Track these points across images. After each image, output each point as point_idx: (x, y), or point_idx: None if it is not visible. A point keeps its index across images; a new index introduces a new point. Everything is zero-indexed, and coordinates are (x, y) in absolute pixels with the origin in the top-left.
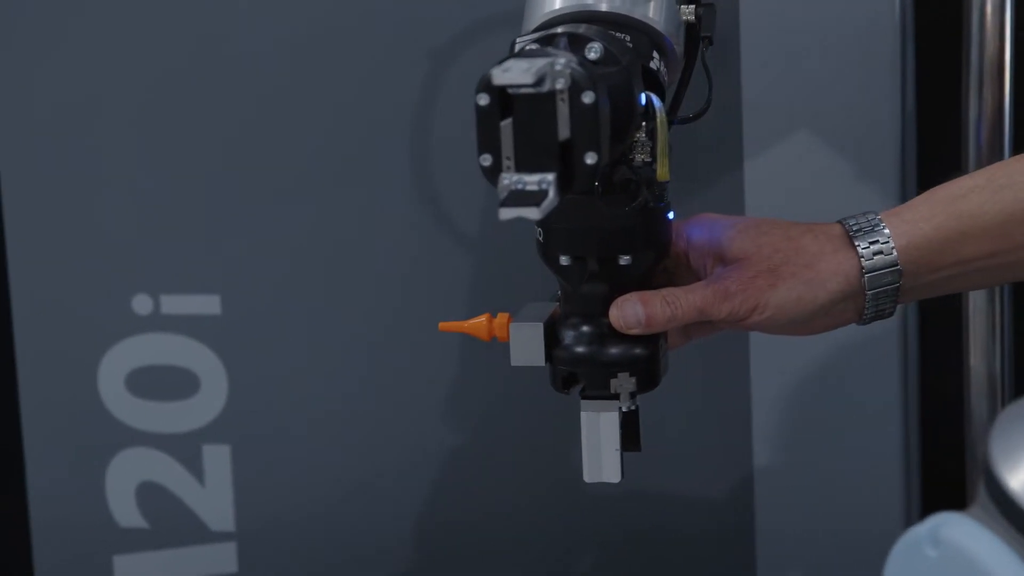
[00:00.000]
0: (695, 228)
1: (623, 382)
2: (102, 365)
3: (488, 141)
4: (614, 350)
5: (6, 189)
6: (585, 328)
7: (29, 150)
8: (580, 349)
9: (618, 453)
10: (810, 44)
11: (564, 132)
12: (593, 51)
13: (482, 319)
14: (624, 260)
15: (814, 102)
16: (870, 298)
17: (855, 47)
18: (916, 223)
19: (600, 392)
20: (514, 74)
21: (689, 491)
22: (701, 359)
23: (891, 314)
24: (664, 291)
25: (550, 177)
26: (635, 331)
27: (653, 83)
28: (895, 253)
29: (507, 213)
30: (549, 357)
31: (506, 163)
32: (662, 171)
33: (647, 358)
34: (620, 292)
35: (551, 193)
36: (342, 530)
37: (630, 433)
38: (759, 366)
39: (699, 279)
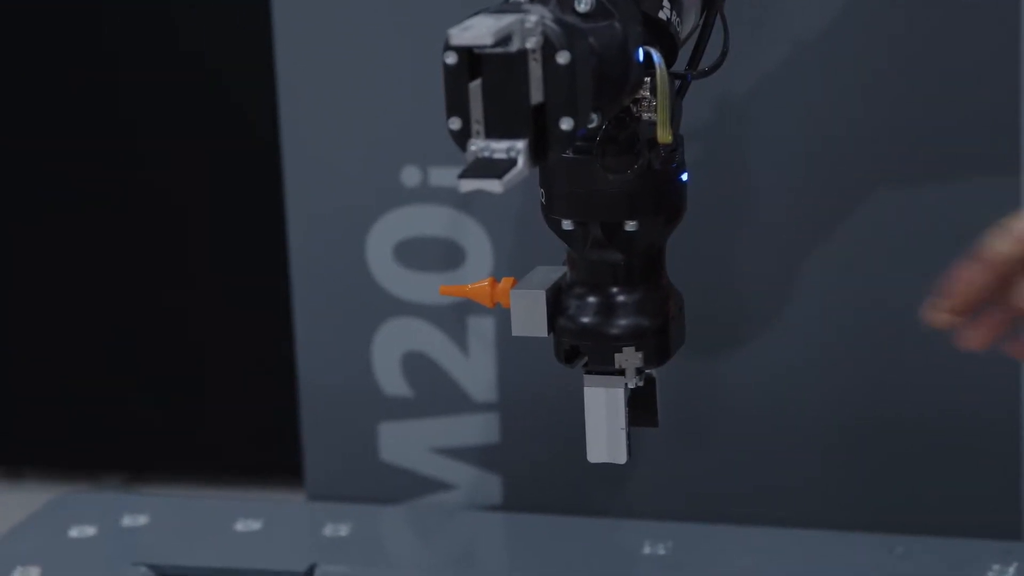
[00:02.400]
0: None
1: (629, 357)
2: (370, 235)
3: (457, 103)
4: (619, 322)
5: (280, 58)
6: (590, 298)
7: (306, 17)
8: (583, 320)
9: (624, 432)
10: None
11: (537, 95)
12: (583, 3)
13: (485, 283)
14: (630, 226)
15: None
16: None
17: None
18: None
19: (605, 367)
20: (473, 33)
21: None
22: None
23: None
24: None
25: (520, 145)
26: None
27: (663, 34)
28: None
29: (467, 185)
30: (552, 327)
31: (475, 128)
32: (662, 132)
33: (655, 330)
34: (628, 260)
35: (520, 162)
36: None
37: (646, 408)
38: None
39: None
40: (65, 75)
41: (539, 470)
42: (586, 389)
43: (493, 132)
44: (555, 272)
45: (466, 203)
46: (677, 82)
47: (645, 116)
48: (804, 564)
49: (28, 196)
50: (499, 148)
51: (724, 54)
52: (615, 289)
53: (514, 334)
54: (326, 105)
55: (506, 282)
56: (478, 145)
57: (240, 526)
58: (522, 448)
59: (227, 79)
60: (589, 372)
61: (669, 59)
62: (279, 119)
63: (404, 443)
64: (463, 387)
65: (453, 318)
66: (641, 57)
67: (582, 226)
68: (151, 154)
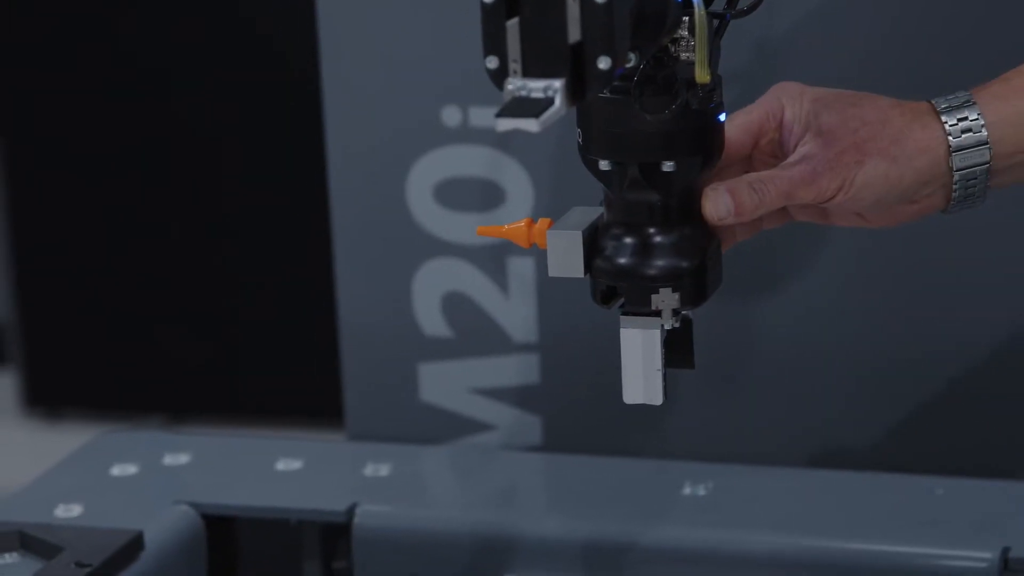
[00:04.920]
0: (786, 99)
1: (665, 298)
2: (410, 176)
3: (494, 42)
4: (656, 263)
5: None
6: (627, 239)
7: None
8: (620, 261)
9: (660, 374)
10: None
11: (575, 34)
12: None
13: (522, 224)
14: (668, 166)
15: None
16: (959, 180)
17: None
18: (1008, 98)
19: (641, 308)
20: None
21: None
22: None
23: (980, 202)
24: (750, 177)
25: (557, 84)
26: (728, 222)
27: None
28: (985, 131)
29: (504, 124)
30: (589, 268)
31: (512, 66)
32: (701, 72)
33: (692, 271)
34: (666, 201)
35: (557, 101)
36: None
37: (682, 349)
38: None
39: (786, 152)
40: (107, 17)
41: (579, 411)
42: (622, 330)
43: (531, 71)
44: (592, 212)
45: (506, 143)
46: (716, 22)
47: (683, 56)
48: (843, 505)
49: (65, 137)
50: (536, 87)
51: None
52: (652, 230)
53: (551, 275)
54: (367, 44)
55: (543, 223)
56: (515, 84)
57: (281, 465)
58: (562, 389)
59: (268, 20)
60: (626, 313)
61: None
62: (320, 59)
63: (444, 384)
64: (503, 328)
65: (493, 259)
66: None
67: (619, 166)
68: (191, 97)
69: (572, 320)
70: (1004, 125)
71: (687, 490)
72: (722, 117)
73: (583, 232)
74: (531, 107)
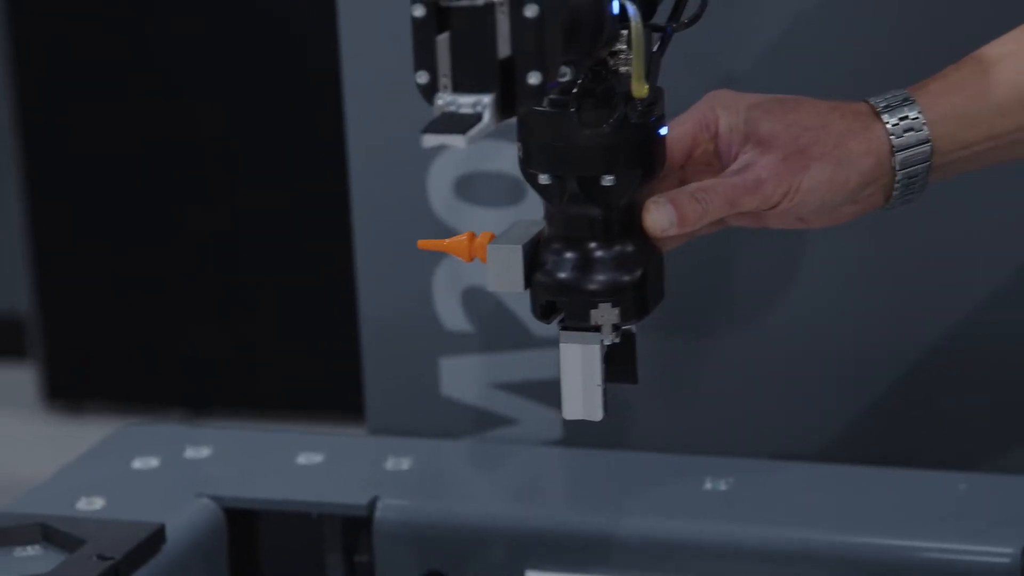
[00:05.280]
0: (720, 109)
1: (605, 313)
2: (431, 169)
3: (424, 56)
4: (596, 277)
5: None
6: (567, 253)
7: None
8: (559, 276)
9: (600, 389)
10: None
11: (505, 49)
12: None
13: (463, 238)
14: (607, 180)
15: None
16: (901, 178)
17: None
18: (947, 94)
19: (581, 323)
20: None
21: None
22: None
23: (919, 197)
24: (691, 187)
25: (486, 99)
26: (670, 233)
27: None
28: (926, 129)
29: (430, 140)
30: (528, 282)
31: (443, 82)
32: (638, 86)
33: (632, 286)
34: (606, 215)
35: (486, 117)
36: None
37: (624, 364)
38: None
39: (724, 162)
40: (126, 13)
41: None
42: (562, 345)
43: (460, 86)
44: (534, 226)
45: None
46: (657, 35)
47: (622, 69)
48: (866, 501)
49: (85, 132)
50: (466, 102)
51: (704, 5)
52: (592, 244)
53: (490, 289)
54: (387, 37)
55: (484, 236)
56: (445, 99)
57: (302, 459)
58: None
59: (287, 12)
60: (565, 328)
61: (648, 11)
62: (340, 52)
63: (465, 378)
64: (524, 322)
65: None
66: (617, 10)
67: (559, 180)
68: (211, 93)
69: None
70: (944, 122)
71: (708, 485)
72: (663, 131)
73: (523, 246)
74: (459, 123)
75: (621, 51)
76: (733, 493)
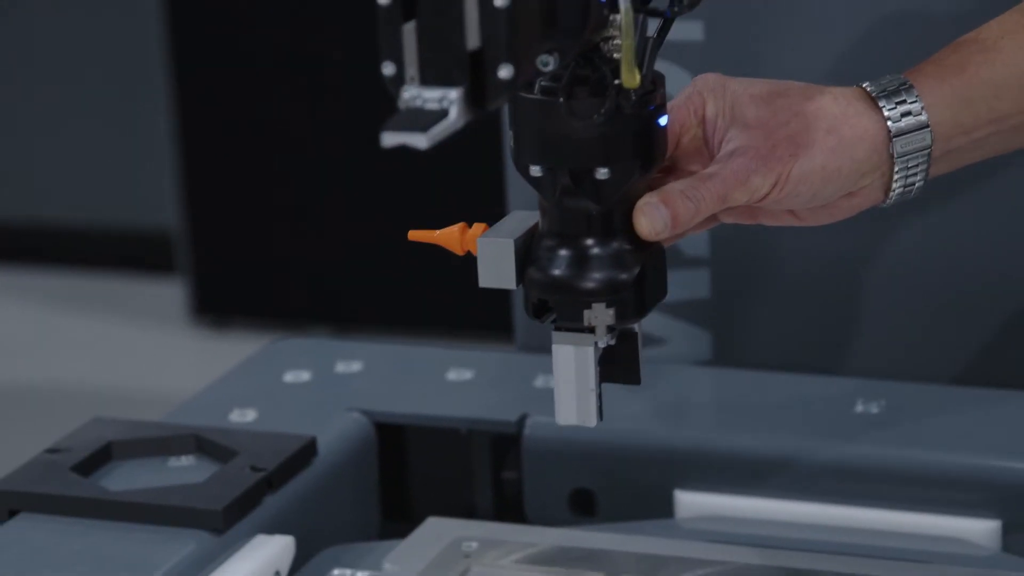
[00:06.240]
0: (707, 93)
1: (599, 314)
2: None
3: (390, 47)
4: (590, 276)
5: None
6: (560, 250)
7: None
8: (550, 273)
9: (594, 393)
10: None
11: (474, 40)
12: None
13: (454, 229)
14: (601, 173)
15: None
16: (900, 167)
17: None
18: (944, 78)
19: (574, 324)
20: None
21: None
22: None
23: (919, 191)
24: (681, 184)
25: (453, 94)
26: (663, 236)
27: None
28: (925, 113)
29: (389, 139)
30: (521, 279)
31: (409, 73)
32: (627, 75)
33: (628, 285)
34: (600, 209)
35: (452, 113)
36: None
37: (627, 363)
38: None
39: (711, 148)
40: None
41: (750, 326)
42: (554, 347)
43: (428, 79)
44: (530, 218)
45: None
46: (657, 20)
47: (616, 56)
48: (1020, 424)
49: (234, 48)
50: (432, 97)
51: None
52: (585, 240)
53: (481, 285)
54: None
55: (476, 228)
56: (411, 93)
57: (452, 375)
58: (733, 303)
59: None
60: (558, 328)
61: None
62: None
63: None
64: (675, 242)
65: None
66: None
67: (551, 172)
68: (347, 17)
69: (744, 235)
70: (942, 107)
71: (859, 407)
72: (662, 121)
73: (516, 240)
74: (421, 120)
75: (614, 36)
76: (884, 416)
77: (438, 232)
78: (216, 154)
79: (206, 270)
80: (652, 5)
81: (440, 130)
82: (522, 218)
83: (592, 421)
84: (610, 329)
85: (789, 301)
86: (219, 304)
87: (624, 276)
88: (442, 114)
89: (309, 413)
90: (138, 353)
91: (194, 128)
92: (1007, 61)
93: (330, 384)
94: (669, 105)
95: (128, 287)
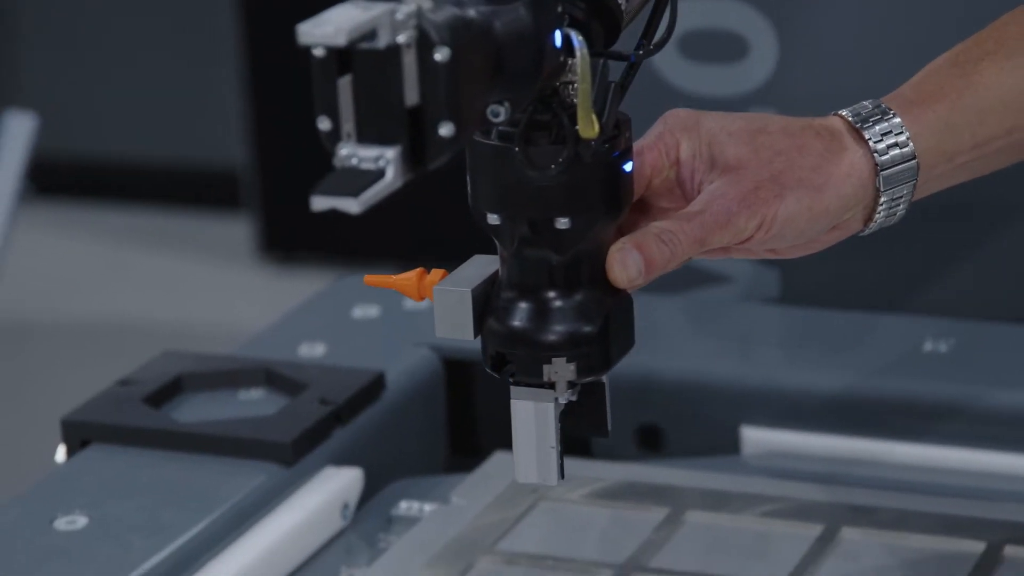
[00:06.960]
0: (680, 132)
1: (559, 368)
2: None
3: (325, 101)
4: (550, 328)
5: None
6: (520, 301)
7: None
8: (509, 325)
9: (555, 451)
10: None
11: (412, 97)
12: None
13: (412, 275)
14: (561, 223)
15: None
16: (884, 201)
17: None
18: (927, 103)
19: (533, 379)
20: (324, 31)
21: None
22: None
23: (898, 219)
24: (656, 228)
25: (390, 154)
26: (638, 283)
27: (603, 11)
28: (911, 144)
29: (319, 203)
30: (479, 330)
31: (345, 130)
32: (584, 125)
33: (590, 340)
34: (560, 260)
35: (389, 174)
36: None
37: (594, 416)
38: None
39: (686, 191)
40: None
41: (818, 264)
42: (512, 402)
43: (365, 136)
44: (491, 265)
45: None
46: (621, 63)
47: (575, 101)
48: None
49: None
50: (368, 156)
51: (671, 29)
52: (546, 291)
53: (438, 335)
54: None
55: (435, 274)
56: (347, 151)
57: None
58: None
59: None
60: (517, 384)
61: (611, 38)
62: None
63: None
64: None
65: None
66: (560, 41)
67: (509, 221)
68: None
69: None
70: (927, 135)
71: (928, 346)
72: (628, 167)
73: (473, 290)
74: (354, 182)
75: (574, 81)
76: (954, 355)
77: (395, 277)
78: (283, 91)
79: (273, 207)
80: (616, 48)
81: (374, 192)
82: (483, 264)
83: (553, 480)
84: (571, 384)
85: (856, 238)
86: (286, 240)
87: (587, 328)
88: (378, 174)
89: (378, 348)
90: (206, 289)
91: (262, 66)
92: (989, 84)
93: (399, 320)
94: (638, 145)
95: (196, 224)
